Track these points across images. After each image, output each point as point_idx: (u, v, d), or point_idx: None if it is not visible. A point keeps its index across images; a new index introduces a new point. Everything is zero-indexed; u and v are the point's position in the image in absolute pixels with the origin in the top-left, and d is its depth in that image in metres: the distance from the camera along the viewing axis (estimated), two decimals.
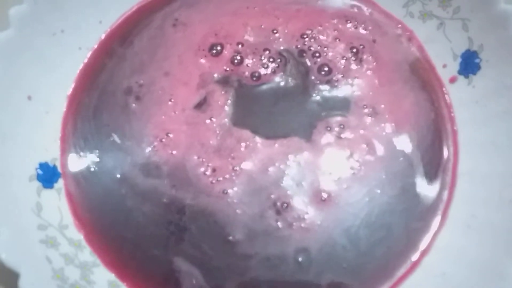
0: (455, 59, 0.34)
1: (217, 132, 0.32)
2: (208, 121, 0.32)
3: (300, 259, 0.30)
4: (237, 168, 0.31)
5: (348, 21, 0.35)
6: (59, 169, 0.32)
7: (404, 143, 0.33)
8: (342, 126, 0.33)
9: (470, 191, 0.32)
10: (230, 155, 0.31)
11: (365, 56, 0.34)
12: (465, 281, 0.29)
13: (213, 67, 0.34)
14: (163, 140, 0.32)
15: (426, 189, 0.32)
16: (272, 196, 0.31)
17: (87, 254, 0.30)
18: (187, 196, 0.31)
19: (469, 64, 0.33)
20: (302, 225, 0.30)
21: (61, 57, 0.33)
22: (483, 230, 0.30)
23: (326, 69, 0.34)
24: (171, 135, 0.32)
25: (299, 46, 0.34)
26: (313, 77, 0.34)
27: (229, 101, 0.33)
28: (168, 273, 0.30)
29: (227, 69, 0.34)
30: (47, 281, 0.27)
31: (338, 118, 0.33)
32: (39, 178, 0.31)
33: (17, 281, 0.26)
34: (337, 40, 0.34)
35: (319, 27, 0.35)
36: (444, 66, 0.35)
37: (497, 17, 0.31)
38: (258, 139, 0.32)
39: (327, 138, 0.32)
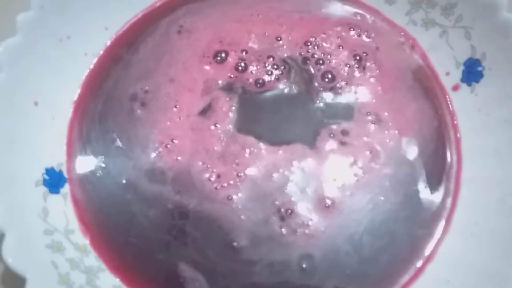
0: (457, 67, 0.34)
1: (222, 138, 0.32)
2: (212, 127, 0.33)
3: (304, 265, 0.30)
4: (242, 174, 0.31)
5: (351, 29, 0.35)
6: (65, 174, 0.32)
7: (408, 150, 0.33)
8: (345, 133, 0.33)
9: (473, 198, 0.32)
10: (234, 161, 0.32)
11: (368, 64, 0.34)
12: None
13: (217, 73, 0.34)
14: (168, 146, 0.32)
15: (430, 196, 0.32)
16: (276, 202, 0.31)
17: (93, 259, 0.30)
18: (192, 202, 0.31)
19: (471, 72, 0.34)
20: (306, 231, 0.31)
21: (67, 63, 0.34)
22: (486, 237, 0.30)
23: (329, 76, 0.34)
24: (176, 141, 0.32)
25: (302, 54, 0.34)
26: (316, 84, 0.34)
27: (233, 108, 0.33)
28: (172, 278, 0.30)
29: (232, 75, 0.34)
30: (53, 286, 0.27)
31: (342, 125, 0.33)
32: (45, 183, 0.31)
33: (23, 286, 0.26)
34: (341, 47, 0.35)
35: (323, 35, 0.35)
36: (447, 74, 0.35)
37: (500, 26, 0.32)
38: (262, 145, 0.32)
39: (330, 144, 0.32)
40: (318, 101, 0.34)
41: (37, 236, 0.29)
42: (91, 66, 0.35)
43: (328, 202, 0.31)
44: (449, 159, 0.33)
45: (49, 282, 0.27)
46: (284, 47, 0.35)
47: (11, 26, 0.31)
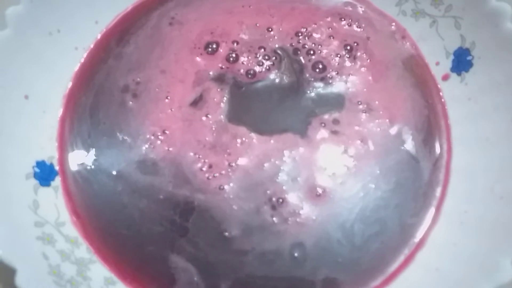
0: (447, 57, 0.34)
1: (213, 128, 0.32)
2: (204, 118, 0.33)
3: (295, 254, 0.30)
4: (233, 164, 0.31)
5: (342, 19, 0.35)
6: (56, 167, 0.32)
7: (398, 139, 0.33)
8: (336, 122, 0.33)
9: (463, 187, 0.32)
10: (226, 151, 0.32)
11: (359, 53, 0.35)
12: (458, 276, 0.29)
13: (208, 65, 0.34)
14: (160, 137, 0.32)
15: (420, 185, 0.32)
16: (268, 192, 0.31)
17: (84, 251, 0.30)
18: (184, 192, 0.31)
19: (461, 61, 0.34)
20: (298, 220, 0.31)
21: (57, 56, 0.34)
22: (476, 225, 0.30)
23: (320, 66, 0.34)
24: (167, 132, 0.32)
25: (293, 44, 0.35)
26: (307, 75, 0.34)
27: (224, 98, 0.33)
28: (164, 269, 0.30)
29: (223, 66, 0.34)
30: (44, 277, 0.27)
31: (333, 114, 0.33)
32: (36, 176, 0.31)
33: (13, 277, 0.26)
34: (331, 37, 0.35)
35: (314, 25, 0.35)
36: (437, 63, 0.35)
37: (489, 15, 0.32)
38: (253, 135, 0.32)
39: (322, 134, 0.32)
40: (309, 91, 0.34)
41: (27, 228, 0.29)
42: (82, 60, 0.35)
43: (320, 190, 0.31)
44: (439, 147, 0.33)
45: (39, 273, 0.27)
46: (275, 37, 0.35)
47: (1, 20, 0.31)
